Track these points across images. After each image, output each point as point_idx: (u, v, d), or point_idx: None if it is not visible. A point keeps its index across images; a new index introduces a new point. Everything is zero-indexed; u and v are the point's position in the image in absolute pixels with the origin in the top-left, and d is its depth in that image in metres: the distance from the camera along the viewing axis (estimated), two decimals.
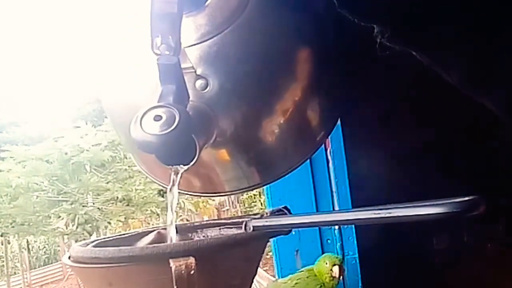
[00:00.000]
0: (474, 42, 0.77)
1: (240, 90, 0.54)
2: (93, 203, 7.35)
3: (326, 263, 1.19)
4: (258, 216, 0.58)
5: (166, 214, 0.51)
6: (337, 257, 1.21)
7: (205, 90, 0.52)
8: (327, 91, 0.61)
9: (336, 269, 1.17)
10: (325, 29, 0.62)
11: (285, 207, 0.60)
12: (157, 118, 0.44)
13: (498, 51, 0.76)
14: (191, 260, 0.44)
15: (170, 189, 0.50)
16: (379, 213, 0.43)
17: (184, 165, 0.49)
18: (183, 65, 0.48)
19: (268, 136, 0.56)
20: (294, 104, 0.56)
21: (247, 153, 0.58)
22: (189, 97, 0.49)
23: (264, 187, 1.47)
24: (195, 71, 0.52)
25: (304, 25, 0.58)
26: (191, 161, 0.48)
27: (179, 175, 0.49)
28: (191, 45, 0.52)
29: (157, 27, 0.47)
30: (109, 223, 7.73)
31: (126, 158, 7.14)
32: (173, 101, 0.46)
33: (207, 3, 0.53)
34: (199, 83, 0.51)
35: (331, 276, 1.17)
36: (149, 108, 0.45)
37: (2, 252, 8.67)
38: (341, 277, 1.24)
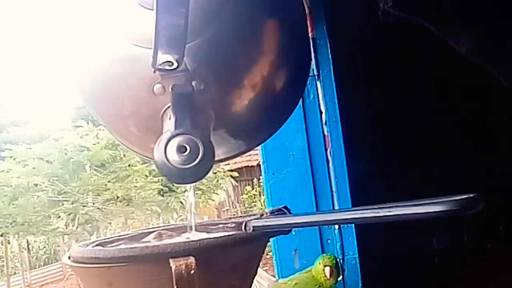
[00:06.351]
0: (486, 13, 0.75)
1: (229, 80, 0.54)
2: (93, 203, 7.34)
3: (320, 264, 1.19)
4: (258, 216, 0.58)
5: (166, 214, 0.52)
6: (329, 258, 1.20)
7: (201, 89, 0.51)
8: (295, 60, 0.62)
9: (327, 270, 1.17)
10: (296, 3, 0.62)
11: (285, 207, 0.60)
12: (182, 149, 0.46)
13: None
14: (191, 260, 0.44)
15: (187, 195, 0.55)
16: (378, 212, 0.43)
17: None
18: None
19: (250, 109, 0.57)
20: (267, 78, 0.57)
21: (235, 129, 0.59)
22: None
23: (264, 187, 1.47)
24: (189, 71, 0.51)
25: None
26: (203, 177, 0.49)
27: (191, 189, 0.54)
28: None
29: (161, 42, 0.45)
30: (110, 223, 7.72)
31: (126, 157, 7.14)
32: (191, 126, 0.47)
33: None
34: (195, 83, 0.51)
35: (325, 276, 1.17)
36: (171, 136, 0.46)
37: (2, 252, 8.66)
38: (341, 277, 1.24)
